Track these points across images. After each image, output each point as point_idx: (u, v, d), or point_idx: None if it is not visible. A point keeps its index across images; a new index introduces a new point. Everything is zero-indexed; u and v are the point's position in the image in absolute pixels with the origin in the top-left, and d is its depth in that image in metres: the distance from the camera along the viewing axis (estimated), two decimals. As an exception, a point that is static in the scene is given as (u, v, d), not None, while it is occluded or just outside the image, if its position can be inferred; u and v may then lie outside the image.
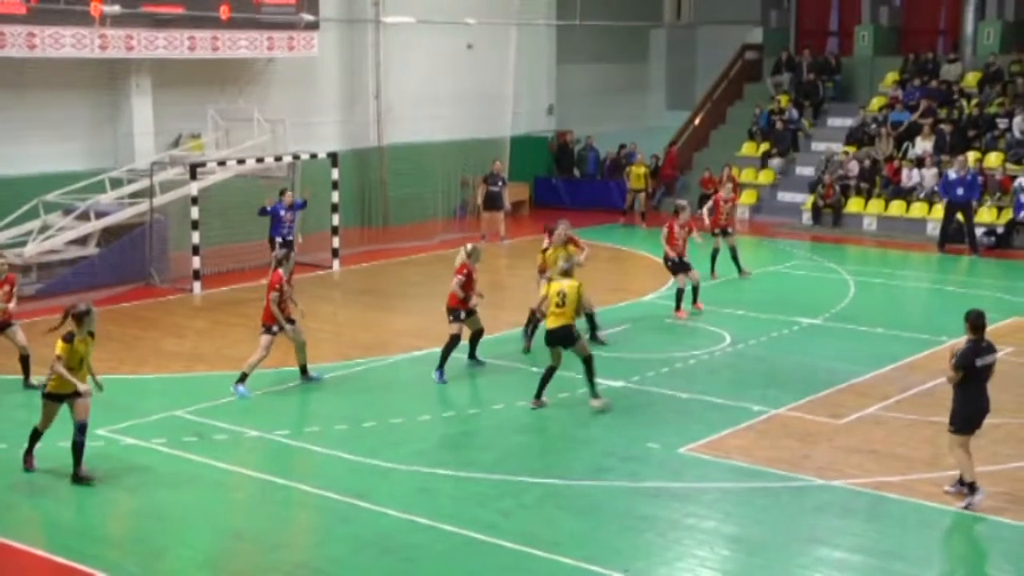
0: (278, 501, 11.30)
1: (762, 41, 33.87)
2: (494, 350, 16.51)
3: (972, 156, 26.70)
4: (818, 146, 30.23)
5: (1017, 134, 27.10)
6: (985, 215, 25.81)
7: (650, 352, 16.51)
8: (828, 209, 27.86)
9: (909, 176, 27.49)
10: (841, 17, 33.83)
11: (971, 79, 29.56)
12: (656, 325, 18.10)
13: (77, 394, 11.36)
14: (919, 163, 27.59)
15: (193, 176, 20.97)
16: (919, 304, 20.71)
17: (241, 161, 22.17)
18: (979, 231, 25.07)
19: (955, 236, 24.91)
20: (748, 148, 31.01)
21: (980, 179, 25.53)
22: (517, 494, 11.27)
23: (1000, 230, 25.25)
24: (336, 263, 22.95)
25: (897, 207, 27.22)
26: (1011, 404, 14.01)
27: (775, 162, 30.20)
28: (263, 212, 20.65)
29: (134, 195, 22.05)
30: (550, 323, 13.85)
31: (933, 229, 25.96)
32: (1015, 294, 20.57)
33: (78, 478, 11.45)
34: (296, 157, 23.07)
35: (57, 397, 11.47)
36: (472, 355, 15.75)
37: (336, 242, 22.94)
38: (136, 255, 21.26)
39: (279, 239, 20.52)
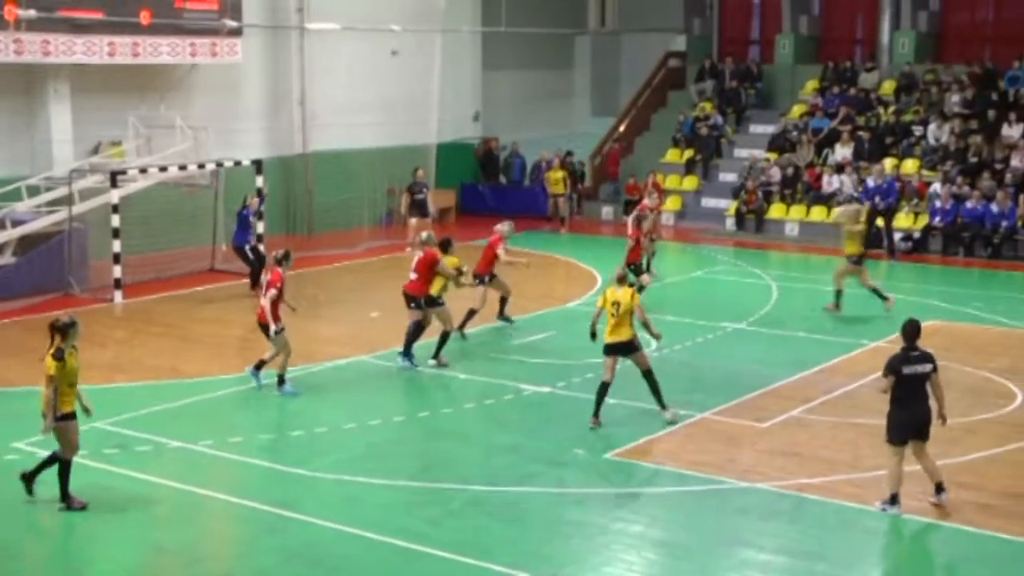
0: (202, 513, 11.15)
1: (685, 49, 34.21)
2: (421, 357, 16.47)
3: (889, 163, 27.25)
4: (741, 152, 30.59)
5: (932, 141, 27.70)
6: (903, 220, 26.33)
7: (576, 358, 16.57)
8: (751, 215, 28.22)
9: (829, 182, 27.94)
10: (763, 26, 34.32)
11: (888, 87, 30.14)
12: (582, 331, 18.16)
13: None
14: (839, 169, 28.06)
15: (114, 184, 20.65)
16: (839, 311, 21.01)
17: (163, 168, 21.87)
18: (897, 236, 25.57)
19: (875, 241, 25.35)
20: (672, 155, 31.29)
21: (897, 184, 26.03)
22: (444, 502, 11.24)
23: (917, 235, 25.78)
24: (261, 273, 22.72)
25: (818, 213, 27.64)
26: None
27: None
28: (241, 218, 20.79)
29: (52, 203, 21.64)
30: (609, 336, 13.42)
31: (853, 234, 26.39)
32: (931, 297, 21.01)
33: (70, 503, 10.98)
34: (219, 164, 22.82)
35: (73, 415, 10.89)
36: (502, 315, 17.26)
37: (261, 250, 22.68)
38: (55, 264, 20.87)
39: (247, 246, 20.66)
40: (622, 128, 33.03)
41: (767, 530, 10.69)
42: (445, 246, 15.23)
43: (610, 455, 12.53)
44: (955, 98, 28.37)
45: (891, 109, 29.08)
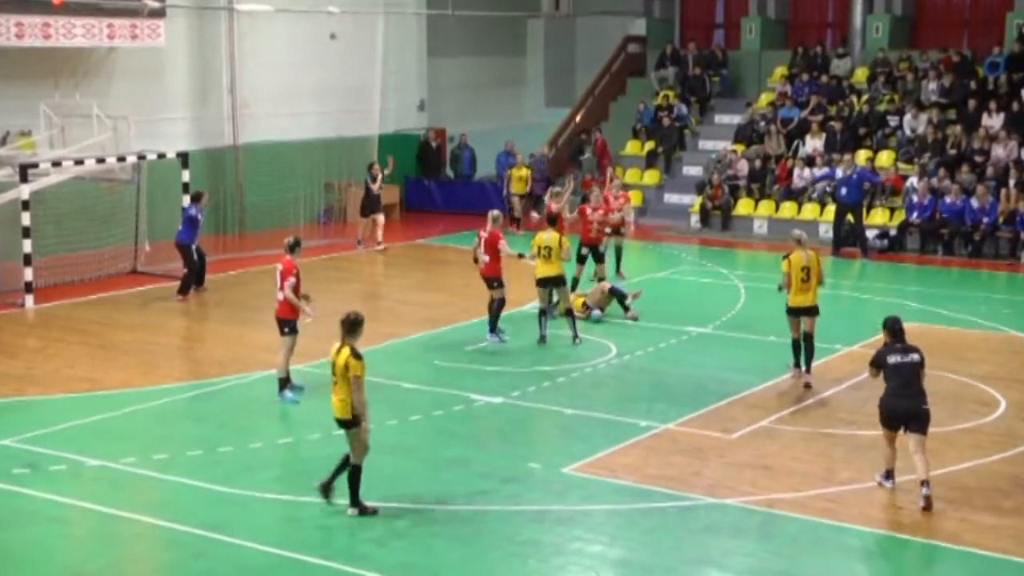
0: (124, 536, 11.04)
1: (646, 33, 34.39)
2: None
3: (863, 155, 27.53)
4: (706, 144, 30.81)
5: (908, 132, 28.03)
6: (877, 217, 26.61)
7: (530, 365, 16.59)
8: (717, 211, 28.40)
9: (800, 176, 28.18)
10: (727, 8, 34.60)
11: (861, 74, 30.48)
12: (536, 337, 18.18)
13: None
14: (810, 162, 28.31)
15: (24, 178, 20.38)
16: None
17: (79, 162, 21.63)
18: (871, 233, 25.82)
19: (848, 239, 25.63)
20: (633, 147, 31.45)
21: (877, 178, 26.25)
22: (389, 521, 11.21)
23: (892, 232, 26.05)
24: (188, 273, 22.56)
25: (788, 209, 27.88)
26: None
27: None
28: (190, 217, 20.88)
29: (-45, 200, 21.37)
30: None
31: (826, 231, 26.64)
32: (907, 298, 21.26)
33: (363, 508, 11.25)
34: (141, 157, 22.63)
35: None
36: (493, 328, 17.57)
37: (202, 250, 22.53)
38: (-42, 266, 20.62)
39: (193, 245, 20.73)
40: (578, 118, 33.15)
41: (736, 549, 10.75)
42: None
43: (567, 469, 12.56)
44: (932, 86, 28.74)
45: (864, 98, 29.41)
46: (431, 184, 31.86)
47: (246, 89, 27.51)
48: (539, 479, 12.29)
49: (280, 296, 14.82)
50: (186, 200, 22.43)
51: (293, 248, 15.02)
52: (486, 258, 17.60)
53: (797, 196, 28.00)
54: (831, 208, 26.73)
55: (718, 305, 20.37)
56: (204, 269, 21.48)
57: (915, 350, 12.00)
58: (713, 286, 22.30)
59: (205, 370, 16.45)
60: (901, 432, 11.81)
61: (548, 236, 17.51)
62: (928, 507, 11.48)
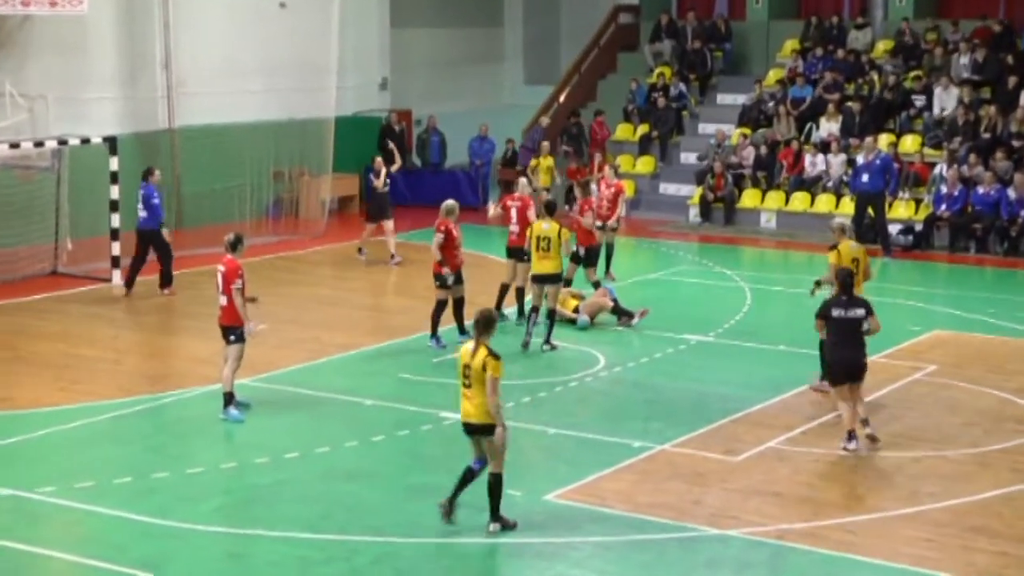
0: (43, 576, 10.99)
1: (638, 1, 34.44)
2: (319, 380, 16.40)
3: (885, 140, 27.64)
4: (706, 128, 30.87)
5: (936, 113, 28.14)
6: (900, 210, 26.71)
7: (508, 379, 16.50)
8: (719, 204, 28.47)
9: (812, 164, 28.28)
10: (731, -26, 34.68)
11: (882, 48, 30.59)
12: (514, 346, 18.19)
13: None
14: (824, 148, 28.42)
15: (-73, 166, 20.28)
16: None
17: (-8, 147, 21.55)
18: (893, 229, 25.92)
19: (869, 234, 25.67)
20: (624, 131, 31.50)
21: (896, 165, 26.34)
22: (349, 557, 11.19)
23: (918, 227, 26.14)
24: (116, 275, 22.45)
25: (800, 201, 27.97)
26: (931, 433, 14.52)
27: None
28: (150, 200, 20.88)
29: None
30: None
31: (842, 226, 26.71)
32: (936, 302, 21.34)
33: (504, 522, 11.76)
34: (63, 142, 22.53)
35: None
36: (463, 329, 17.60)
37: (116, 249, 22.44)
38: None
39: (163, 228, 20.85)
40: (562, 98, 33.18)
41: (742, 586, 10.77)
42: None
43: (550, 497, 12.56)
44: (963, 60, 28.89)
45: (886, 75, 29.51)
46: (396, 174, 31.73)
47: (183, 65, 27.42)
48: (518, 508, 12.27)
49: (223, 301, 14.77)
50: (115, 191, 22.35)
51: (235, 246, 15.01)
52: (515, 228, 18.71)
53: (810, 186, 28.10)
54: (849, 199, 26.82)
55: (721, 310, 20.41)
56: (170, 263, 21.42)
57: (861, 304, 13.83)
58: (715, 288, 22.35)
59: (136, 386, 16.37)
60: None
61: (547, 227, 17.76)
62: (875, 440, 13.75)
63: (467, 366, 11.60)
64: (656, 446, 14.02)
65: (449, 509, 11.85)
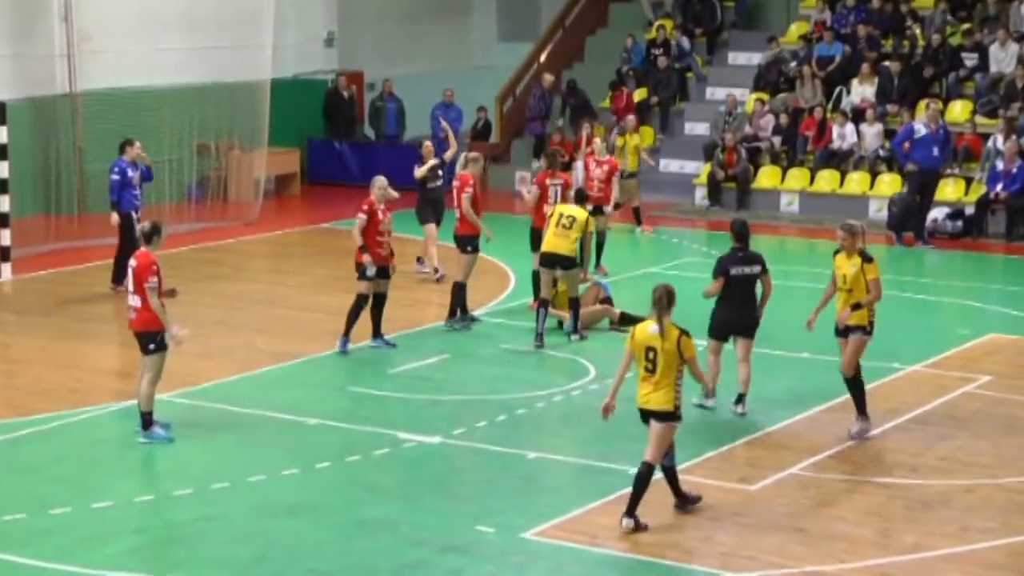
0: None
1: (634, -59, 34.51)
2: (252, 395, 16.37)
3: (933, 105, 27.73)
4: (716, 93, 30.94)
5: (991, 74, 28.19)
6: (948, 190, 26.77)
7: (480, 393, 16.59)
8: (731, 183, 28.50)
9: (842, 135, 28.34)
10: (745, -92, 34.71)
11: (926, -3, 30.73)
12: (489, 353, 18.19)
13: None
14: (856, 116, 28.47)
15: None
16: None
17: None
18: (939, 212, 25.95)
19: (901, 220, 25.69)
20: (609, 83, 31.43)
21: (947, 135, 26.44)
22: (287, 607, 11.20)
23: (969, 211, 26.18)
24: (7, 269, 22.39)
25: (827, 179, 28.04)
26: (986, 457, 14.55)
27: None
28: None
29: None
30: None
31: (879, 210, 26.79)
32: (989, 299, 21.41)
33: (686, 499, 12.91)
34: (-59, 109, 22.43)
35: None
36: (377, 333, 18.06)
37: (6, 238, 22.38)
38: None
39: (134, 213, 20.89)
40: (543, 58, 33.17)
41: (759, 639, 10.81)
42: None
43: (529, 534, 12.56)
44: (1024, 10, 29.05)
45: (931, 28, 29.57)
46: (343, 147, 31.78)
47: (86, 17, 27.34)
48: (491, 547, 12.28)
49: (135, 302, 14.68)
50: (4, 168, 22.25)
51: (149, 237, 14.90)
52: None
53: (839, 162, 28.16)
54: (888, 178, 26.88)
55: (734, 310, 20.42)
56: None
57: (757, 260, 15.55)
58: (727, 285, 22.35)
59: (30, 403, 16.31)
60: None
61: (575, 208, 18.76)
62: (743, 412, 15.46)
63: (652, 348, 12.43)
64: (657, 473, 14.01)
65: (636, 525, 12.45)
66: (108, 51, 27.54)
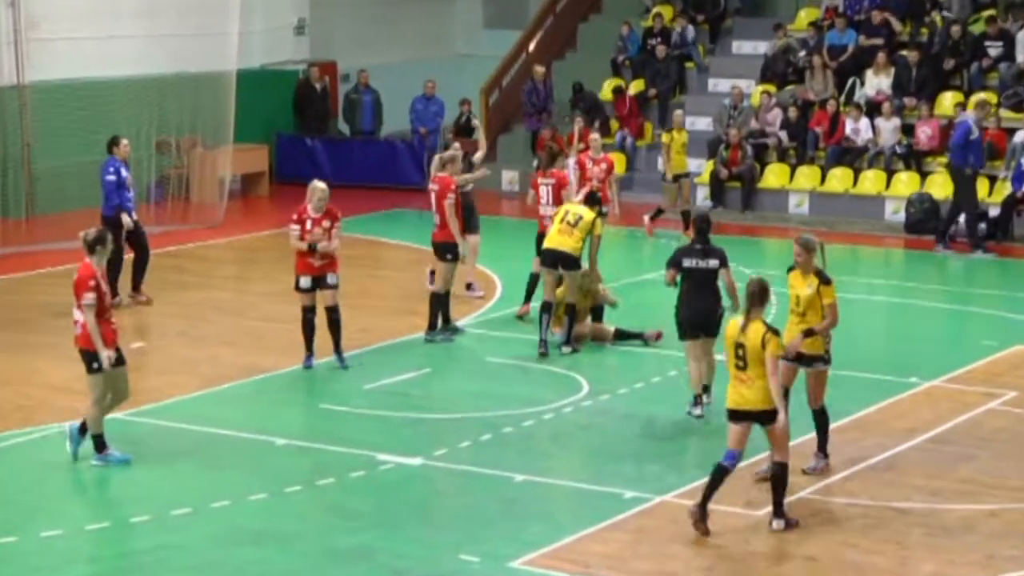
0: None
1: (631, -79, 34.54)
2: (216, 413, 16.36)
3: (950, 99, 27.82)
4: (718, 85, 30.98)
5: (1020, 59, 28.19)
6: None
7: (463, 410, 16.57)
8: (735, 183, 28.51)
9: (856, 130, 28.36)
10: None
11: (946, -21, 30.76)
12: (473, 367, 18.17)
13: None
14: (871, 110, 28.49)
15: None
16: (875, 331, 21.30)
17: None
18: (961, 215, 25.91)
19: (917, 224, 25.67)
20: (612, 87, 31.50)
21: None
22: (253, 644, 11.20)
23: (993, 212, 26.17)
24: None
25: (840, 178, 28.05)
26: (1012, 479, 14.53)
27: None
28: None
29: None
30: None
31: (895, 212, 26.80)
32: (1016, 310, 21.38)
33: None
34: None
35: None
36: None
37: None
38: None
39: (128, 216, 20.86)
40: (532, 46, 33.17)
41: (766, 678, 10.80)
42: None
43: (518, 563, 12.54)
44: (1054, -5, 29.09)
45: (952, 14, 29.60)
46: (315, 143, 31.76)
47: (35, 1, 27.29)
48: (476, 578, 12.29)
49: (79, 317, 14.59)
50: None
51: (93, 247, 14.79)
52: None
53: (853, 160, 28.18)
54: (905, 177, 26.88)
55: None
56: (147, 260, 21.43)
57: (716, 254, 15.93)
58: (730, 293, 22.37)
59: (-27, 421, 16.29)
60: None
61: (582, 208, 18.97)
62: (701, 415, 15.90)
63: (740, 345, 12.85)
64: (654, 496, 14.00)
65: (701, 516, 12.82)
66: (59, 39, 27.51)
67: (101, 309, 14.57)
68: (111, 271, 20.78)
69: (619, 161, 28.19)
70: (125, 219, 20.90)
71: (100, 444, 14.78)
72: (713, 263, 15.91)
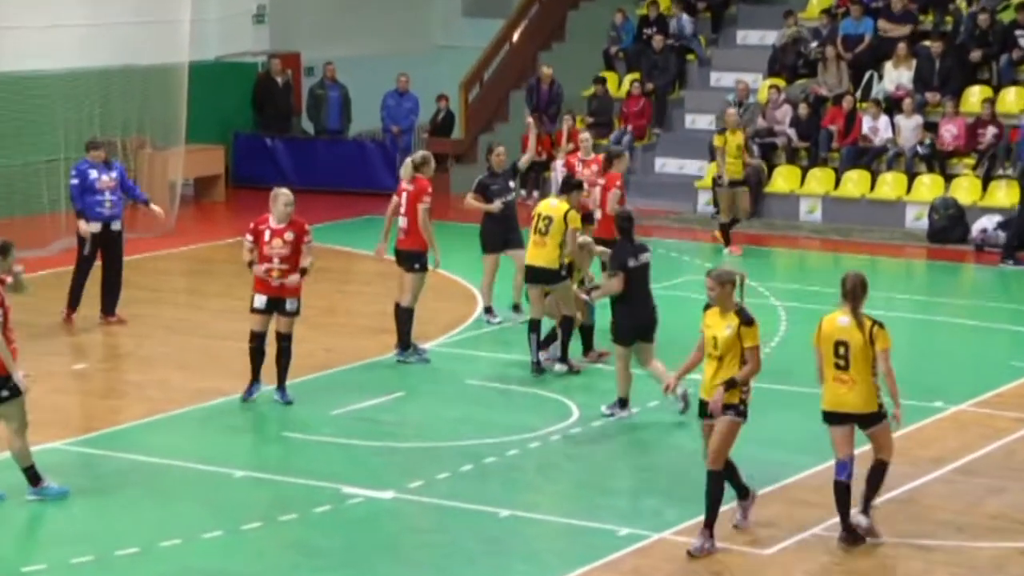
0: None
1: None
2: (166, 442, 16.32)
3: (978, 93, 27.89)
4: (721, 79, 31.03)
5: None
6: (999, 194, 26.83)
7: (441, 438, 16.56)
8: (741, 186, 28.54)
9: (874, 129, 28.39)
10: None
11: (972, -35, 30.85)
12: (451, 391, 18.16)
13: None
14: (891, 106, 28.53)
15: None
16: (896, 350, 21.23)
17: None
18: (990, 221, 25.93)
19: (940, 232, 25.72)
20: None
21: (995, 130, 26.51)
22: None
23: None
24: None
25: (856, 182, 28.09)
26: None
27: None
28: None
29: None
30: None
31: (917, 218, 26.82)
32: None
33: None
34: None
35: None
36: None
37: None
38: None
39: (96, 222, 20.69)
40: (516, 36, 33.20)
41: None
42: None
43: (501, 609, 12.56)
44: (1091, -20, 29.17)
45: (978, 2, 29.67)
46: (276, 143, 31.75)
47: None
48: (455, 625, 12.28)
49: None
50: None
51: None
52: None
53: (870, 161, 28.21)
54: (928, 180, 26.95)
55: (743, 339, 20.43)
56: (116, 276, 21.24)
57: (645, 248, 17.21)
58: (736, 308, 22.37)
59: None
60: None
61: (554, 204, 18.85)
62: (685, 407, 16.50)
63: (842, 343, 13.15)
64: (651, 534, 14.01)
65: (852, 539, 13.51)
66: (-4, 28, 27.55)
67: (5, 330, 14.38)
68: (76, 280, 20.77)
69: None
70: (82, 225, 20.78)
71: (34, 476, 14.69)
72: (647, 256, 17.14)
